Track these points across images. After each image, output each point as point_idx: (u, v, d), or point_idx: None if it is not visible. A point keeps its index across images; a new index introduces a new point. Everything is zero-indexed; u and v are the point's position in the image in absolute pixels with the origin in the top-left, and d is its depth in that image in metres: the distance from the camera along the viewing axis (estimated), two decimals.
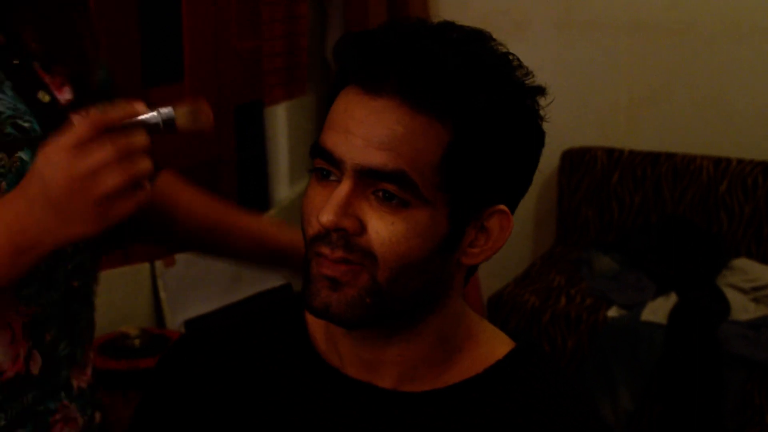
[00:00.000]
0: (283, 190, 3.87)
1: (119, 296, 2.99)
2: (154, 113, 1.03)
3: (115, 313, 2.87)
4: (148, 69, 3.31)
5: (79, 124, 1.02)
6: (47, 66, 1.29)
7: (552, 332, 3.27)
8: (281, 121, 3.98)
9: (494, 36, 1.08)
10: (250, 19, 3.77)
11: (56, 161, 1.02)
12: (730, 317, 3.08)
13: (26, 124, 1.21)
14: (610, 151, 3.75)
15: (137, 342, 2.72)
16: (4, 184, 1.17)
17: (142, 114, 1.02)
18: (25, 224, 1.06)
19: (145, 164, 1.04)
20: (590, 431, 1.11)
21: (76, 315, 1.32)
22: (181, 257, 3.19)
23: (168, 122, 1.04)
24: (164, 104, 1.09)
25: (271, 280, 3.38)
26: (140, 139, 1.03)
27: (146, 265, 3.17)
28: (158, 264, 3.18)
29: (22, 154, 1.20)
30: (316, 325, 1.18)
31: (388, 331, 1.11)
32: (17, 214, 1.06)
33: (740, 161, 3.54)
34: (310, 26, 4.09)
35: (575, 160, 3.78)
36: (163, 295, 3.19)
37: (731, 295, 3.19)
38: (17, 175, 1.18)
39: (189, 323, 3.19)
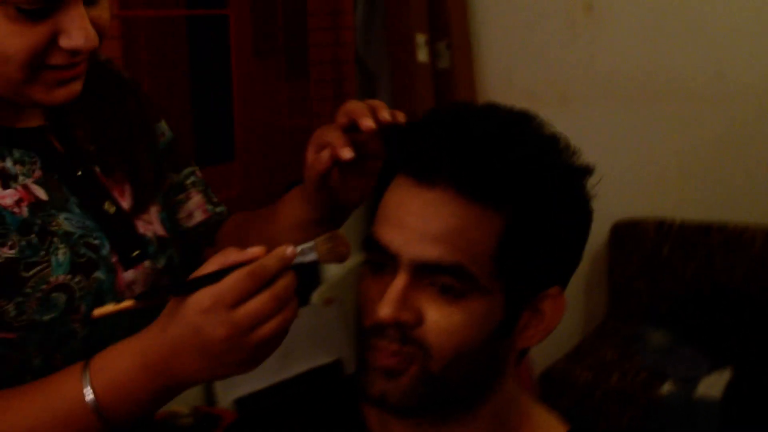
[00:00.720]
0: (332, 267, 3.87)
1: None
2: (300, 253, 1.06)
3: None
4: (200, 150, 3.42)
5: (237, 278, 1.02)
6: (107, 169, 1.32)
7: (605, 409, 3.26)
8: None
9: (540, 109, 1.10)
10: (299, 99, 3.82)
11: (215, 315, 1.02)
12: None
13: (96, 242, 1.23)
14: (660, 223, 3.74)
15: (189, 421, 2.71)
16: (83, 306, 1.19)
17: (291, 258, 1.04)
18: (172, 370, 1.07)
19: (295, 303, 1.06)
20: None
21: None
22: None
23: (312, 261, 1.07)
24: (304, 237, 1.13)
25: (322, 357, 3.41)
26: (291, 281, 1.05)
27: None
28: None
29: (99, 274, 1.21)
30: (370, 410, 1.17)
31: (442, 417, 1.10)
32: (162, 360, 1.06)
33: None
34: None
35: (625, 232, 3.78)
36: None
37: None
38: (95, 295, 1.21)
39: (239, 401, 3.18)
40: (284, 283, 1.03)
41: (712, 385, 3.10)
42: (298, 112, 3.83)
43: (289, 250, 1.04)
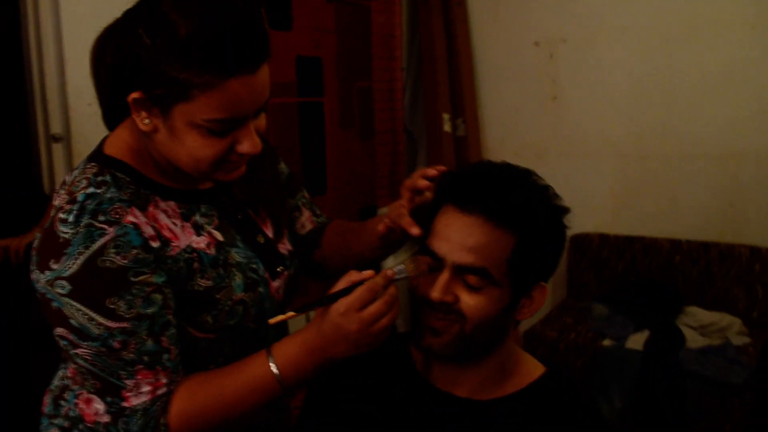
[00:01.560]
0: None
1: None
2: (396, 272, 1.05)
3: None
4: (304, 185, 3.28)
5: (361, 292, 1.02)
6: (255, 211, 1.27)
7: (566, 356, 3.22)
8: None
9: (523, 162, 1.10)
10: (368, 154, 3.84)
11: (349, 317, 1.02)
12: (685, 346, 3.05)
13: (255, 266, 1.19)
14: (601, 235, 3.71)
15: None
16: (253, 311, 1.18)
17: (392, 277, 1.04)
18: (326, 352, 1.05)
19: (398, 304, 1.05)
20: (595, 420, 1.10)
21: None
22: None
23: (405, 276, 1.06)
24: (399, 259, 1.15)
25: None
26: (394, 291, 1.04)
27: None
28: None
29: (260, 288, 1.19)
30: (416, 353, 1.20)
31: (466, 360, 1.12)
32: (319, 346, 1.05)
33: (688, 241, 3.49)
34: (405, 159, 4.14)
35: (579, 241, 3.74)
36: None
37: (685, 331, 3.15)
38: (259, 303, 1.18)
39: None
40: (390, 292, 1.03)
41: (636, 341, 3.08)
42: (367, 163, 3.85)
43: (390, 272, 1.03)
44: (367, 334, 1.03)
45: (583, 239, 3.77)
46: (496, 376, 1.14)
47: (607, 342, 3.18)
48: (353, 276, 1.05)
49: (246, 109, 1.02)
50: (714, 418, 2.88)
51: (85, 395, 1.08)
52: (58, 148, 2.49)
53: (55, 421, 1.19)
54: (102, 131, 1.15)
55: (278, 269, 1.26)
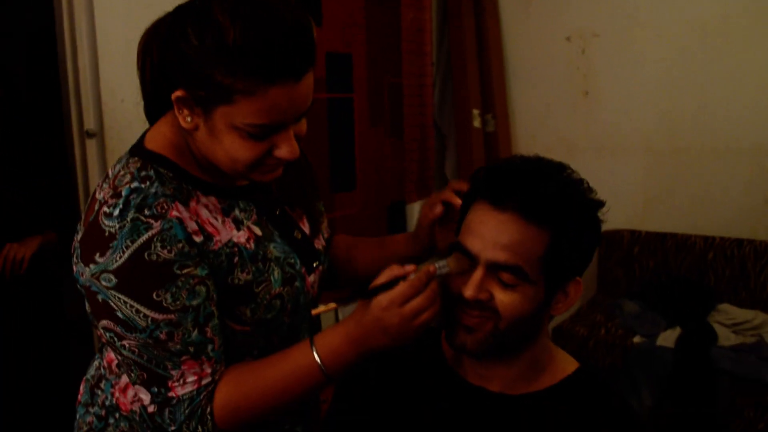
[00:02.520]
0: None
1: None
2: (438, 268, 1.05)
3: None
4: (333, 181, 3.42)
5: (403, 287, 1.03)
6: (291, 208, 1.29)
7: (595, 353, 3.20)
8: (416, 213, 3.75)
9: (554, 158, 1.09)
10: (397, 150, 3.84)
11: (390, 311, 1.03)
12: (717, 344, 3.03)
13: (292, 260, 1.20)
14: (632, 232, 3.68)
15: None
16: (290, 305, 1.19)
17: (433, 273, 1.05)
18: (367, 344, 1.06)
19: (439, 300, 1.05)
20: (626, 418, 1.08)
21: None
22: None
23: (446, 272, 1.06)
24: (439, 256, 1.15)
25: None
26: (435, 287, 1.05)
27: None
28: None
29: (297, 283, 1.20)
30: (448, 348, 1.20)
31: (499, 357, 1.12)
32: (361, 337, 1.06)
33: (722, 238, 3.45)
34: (435, 155, 4.12)
35: (609, 238, 3.72)
36: None
37: (718, 328, 3.13)
38: (295, 297, 1.20)
39: None
40: (431, 288, 1.04)
41: (667, 338, 3.05)
42: (396, 159, 3.84)
43: (432, 267, 1.04)
44: (407, 328, 1.04)
45: (613, 235, 3.75)
46: (529, 372, 1.13)
47: (637, 339, 3.15)
48: (395, 270, 1.05)
49: (287, 116, 1.02)
50: (747, 417, 2.85)
51: (121, 384, 1.11)
52: (91, 144, 2.51)
53: (92, 410, 1.21)
54: (135, 127, 1.19)
55: (314, 264, 1.27)
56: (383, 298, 1.03)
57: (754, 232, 3.47)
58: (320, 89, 3.29)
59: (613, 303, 3.55)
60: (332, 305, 1.08)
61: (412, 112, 3.91)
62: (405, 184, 3.93)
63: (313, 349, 1.08)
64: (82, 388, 1.25)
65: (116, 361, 1.17)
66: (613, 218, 3.97)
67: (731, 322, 3.18)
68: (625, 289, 3.67)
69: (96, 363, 1.24)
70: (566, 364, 1.16)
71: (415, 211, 4.00)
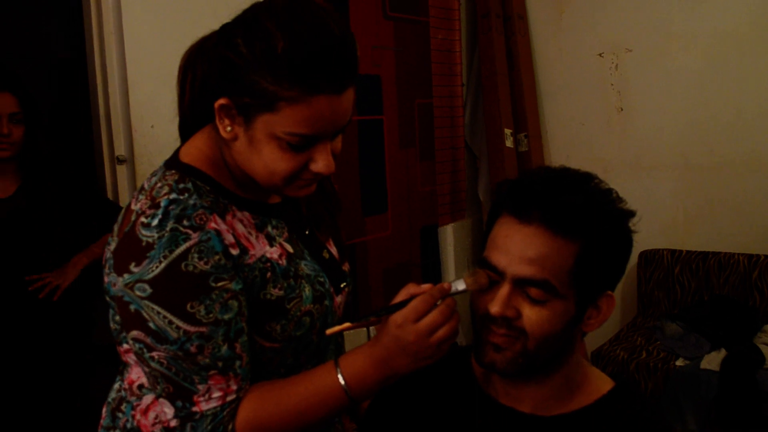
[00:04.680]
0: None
1: None
2: (453, 284, 1.05)
3: None
4: (365, 204, 3.44)
5: (416, 304, 1.04)
6: (318, 227, 1.30)
7: (637, 377, 3.17)
8: (449, 236, 3.98)
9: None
10: (428, 173, 3.85)
11: (405, 328, 1.04)
12: (765, 366, 2.97)
13: (322, 279, 1.21)
14: (672, 251, 3.65)
15: None
16: (318, 324, 1.19)
17: (448, 289, 1.05)
18: (390, 365, 1.07)
19: (457, 315, 1.05)
20: None
21: None
22: None
23: (463, 290, 1.06)
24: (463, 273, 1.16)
25: None
26: (451, 303, 1.05)
27: None
28: None
29: (326, 302, 1.20)
30: (478, 367, 1.18)
31: (529, 376, 1.10)
32: (383, 358, 1.07)
33: (766, 256, 3.41)
34: (466, 176, 4.14)
35: (649, 258, 3.68)
36: None
37: (764, 350, 3.07)
38: (324, 316, 1.20)
39: None
40: (446, 303, 1.04)
41: (712, 361, 3.01)
42: (428, 182, 3.84)
43: (446, 284, 1.04)
44: (426, 346, 1.04)
45: (653, 255, 3.72)
46: (562, 391, 1.11)
47: (680, 362, 3.13)
48: (411, 289, 1.06)
49: (327, 128, 1.04)
50: None
51: (143, 406, 1.11)
52: (122, 170, 2.58)
53: None
54: (165, 152, 1.18)
55: (341, 285, 1.28)
56: (398, 316, 1.04)
57: None
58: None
59: (654, 325, 3.53)
60: (347, 324, 1.08)
61: (442, 133, 3.93)
62: (437, 207, 3.93)
63: (338, 370, 1.09)
64: (103, 411, 1.25)
65: (137, 383, 1.17)
66: (652, 237, 3.95)
67: None
68: (666, 311, 3.65)
69: (116, 386, 1.24)
70: (601, 383, 1.14)
71: (447, 234, 4.01)
